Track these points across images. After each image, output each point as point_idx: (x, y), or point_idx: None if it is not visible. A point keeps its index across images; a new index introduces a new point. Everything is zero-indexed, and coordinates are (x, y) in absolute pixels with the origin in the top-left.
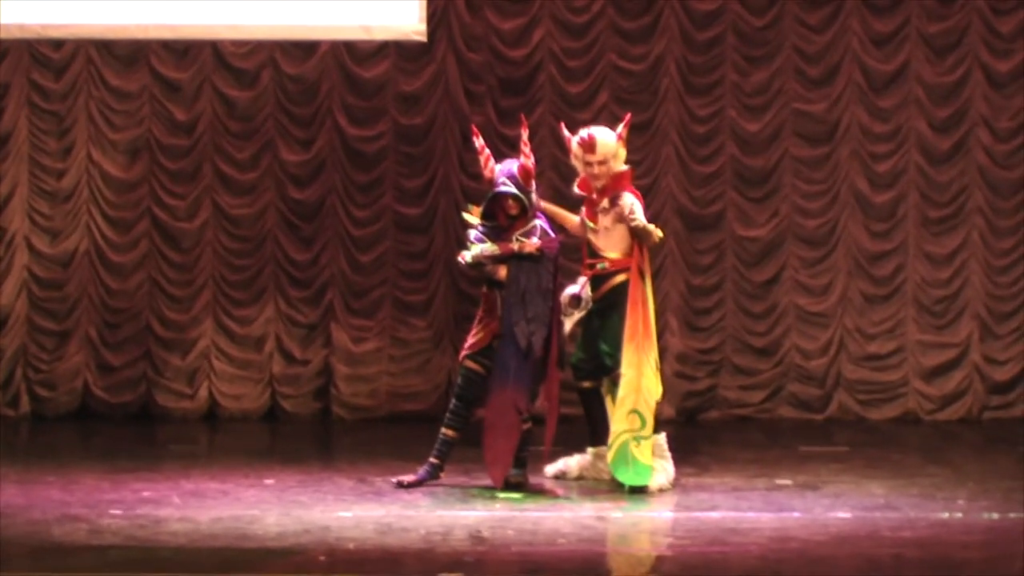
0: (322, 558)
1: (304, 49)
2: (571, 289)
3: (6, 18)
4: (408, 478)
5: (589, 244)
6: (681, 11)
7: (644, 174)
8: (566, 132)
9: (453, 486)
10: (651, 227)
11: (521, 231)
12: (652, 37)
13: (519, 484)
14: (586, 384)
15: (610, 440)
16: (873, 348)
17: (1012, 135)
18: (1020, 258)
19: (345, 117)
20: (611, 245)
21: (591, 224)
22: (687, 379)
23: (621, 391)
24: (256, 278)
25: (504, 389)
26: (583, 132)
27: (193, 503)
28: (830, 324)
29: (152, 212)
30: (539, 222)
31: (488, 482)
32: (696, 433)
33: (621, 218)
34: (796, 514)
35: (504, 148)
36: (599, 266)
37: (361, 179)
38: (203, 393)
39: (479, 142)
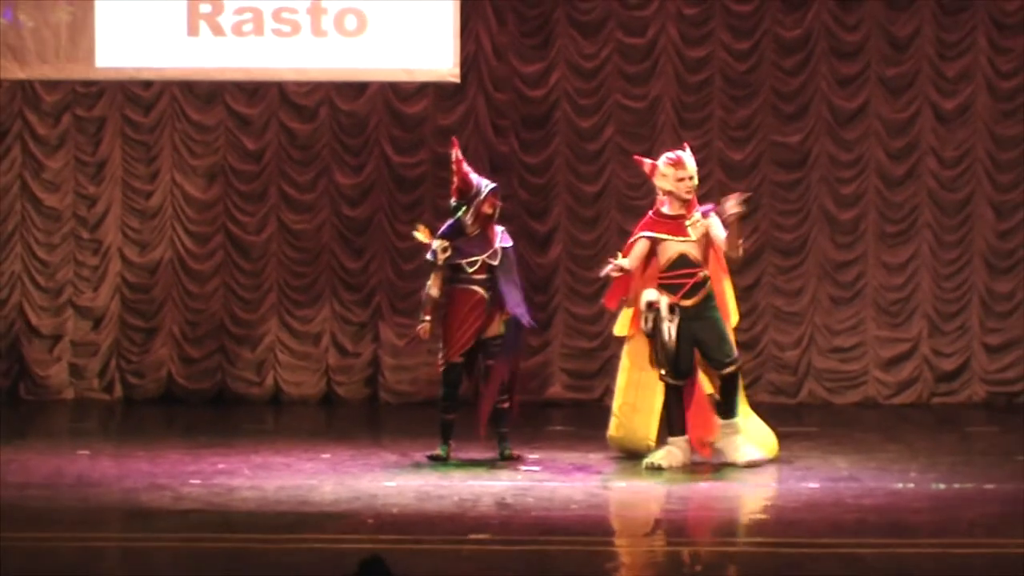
0: (370, 521)
1: (356, 88)
2: (655, 298)
3: (103, 62)
4: (433, 452)
5: (683, 258)
6: (676, 57)
7: (644, 196)
8: (646, 160)
9: (481, 461)
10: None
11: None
12: (651, 80)
13: (518, 457)
14: (678, 383)
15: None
16: (838, 342)
17: (956, 163)
18: (963, 267)
19: (391, 147)
20: (701, 255)
21: (681, 238)
22: None
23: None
24: (314, 283)
25: (504, 363)
26: (668, 155)
27: (261, 474)
28: (802, 322)
29: (226, 227)
30: (499, 227)
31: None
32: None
33: (707, 230)
34: (773, 485)
35: (526, 174)
36: (701, 275)
37: (404, 200)
38: (269, 381)
39: (456, 154)
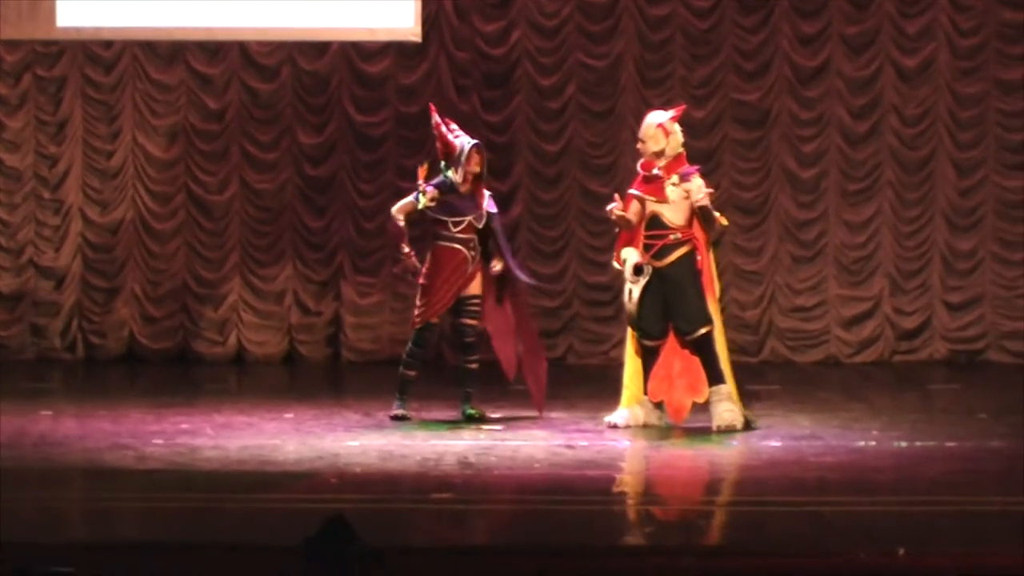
0: (333, 480)
1: (318, 48)
2: (633, 259)
3: (64, 22)
4: (396, 412)
5: (656, 219)
6: (638, 15)
7: (606, 154)
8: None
9: (443, 420)
10: (716, 213)
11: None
12: (613, 38)
13: (481, 416)
14: (651, 343)
15: (730, 386)
16: (800, 301)
17: (918, 120)
18: (924, 225)
19: (353, 106)
20: (679, 218)
21: (657, 199)
22: None
23: (719, 346)
24: (277, 242)
25: (528, 326)
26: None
27: (224, 434)
28: (763, 281)
29: (188, 187)
30: (487, 192)
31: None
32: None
33: (688, 195)
34: (735, 443)
35: (488, 133)
36: (671, 236)
37: (366, 158)
38: (232, 340)
39: (435, 118)
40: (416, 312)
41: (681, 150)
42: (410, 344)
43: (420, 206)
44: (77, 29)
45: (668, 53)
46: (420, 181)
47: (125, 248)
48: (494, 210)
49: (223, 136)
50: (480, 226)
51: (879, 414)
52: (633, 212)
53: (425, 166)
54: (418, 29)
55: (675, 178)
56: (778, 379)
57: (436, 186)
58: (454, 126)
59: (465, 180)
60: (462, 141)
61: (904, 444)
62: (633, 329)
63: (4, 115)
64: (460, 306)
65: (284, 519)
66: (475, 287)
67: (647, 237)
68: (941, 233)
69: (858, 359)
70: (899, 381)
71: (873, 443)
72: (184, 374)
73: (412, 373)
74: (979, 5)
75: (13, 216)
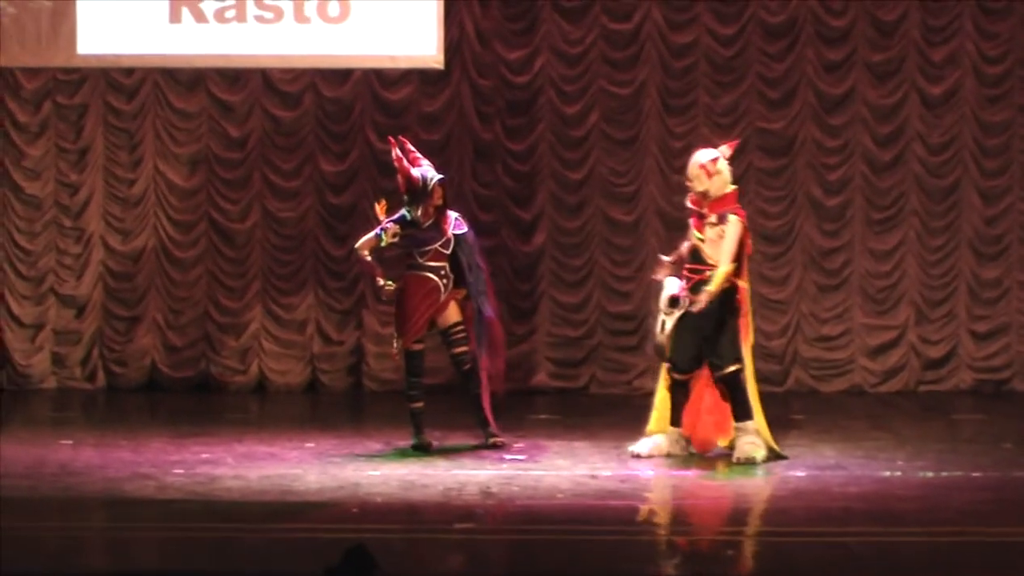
0: (355, 510)
1: (340, 75)
2: (670, 290)
3: (85, 49)
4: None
5: (696, 252)
6: (661, 43)
7: (629, 182)
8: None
9: (464, 449)
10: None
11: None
12: (636, 65)
13: (503, 443)
14: (681, 377)
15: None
16: (825, 330)
17: (943, 149)
18: (949, 253)
19: (375, 133)
20: (717, 255)
21: (699, 235)
22: None
23: (750, 385)
24: (299, 271)
25: (482, 358)
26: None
27: (245, 463)
28: (788, 310)
29: (210, 215)
30: (453, 214)
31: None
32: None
33: (723, 236)
34: (759, 473)
35: (511, 161)
36: (708, 274)
37: (388, 186)
38: (253, 369)
39: (395, 153)
40: (394, 344)
41: (728, 190)
42: (405, 376)
43: (383, 244)
44: (98, 56)
45: (692, 80)
46: (382, 218)
47: (146, 276)
48: (462, 230)
49: (245, 164)
50: (448, 252)
51: (904, 444)
52: (686, 242)
53: (383, 203)
54: (440, 56)
55: (714, 217)
56: (803, 408)
57: (396, 221)
58: (418, 156)
59: (426, 214)
60: (423, 173)
61: (930, 474)
62: (662, 361)
63: (24, 143)
64: (446, 337)
65: (305, 549)
66: (453, 314)
67: (687, 269)
68: (967, 261)
69: (883, 388)
70: (924, 410)
71: (898, 473)
72: (205, 403)
73: (418, 405)
74: (1005, 32)
75: (34, 244)
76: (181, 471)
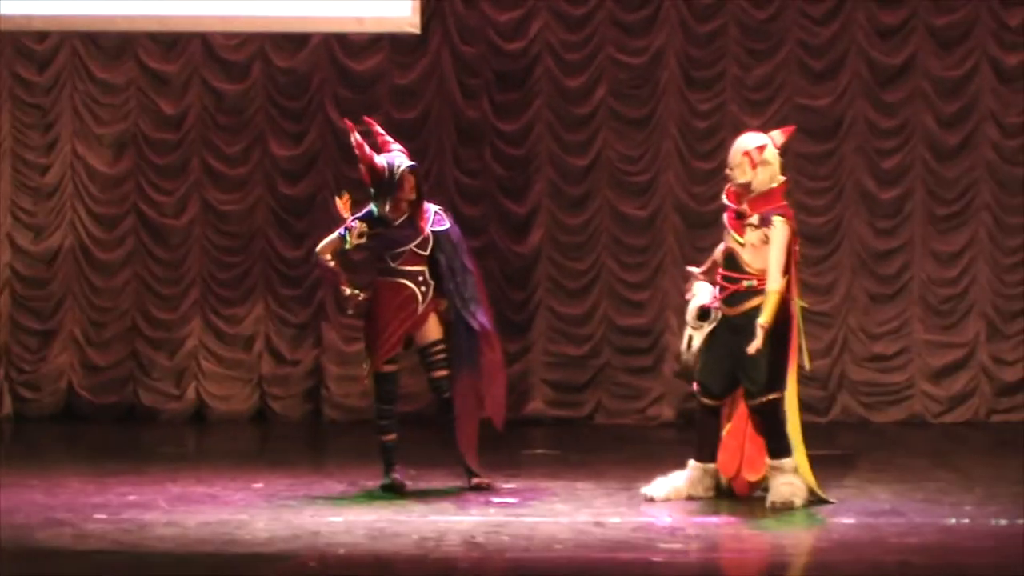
0: (312, 564)
1: (295, 41)
2: (700, 299)
3: None
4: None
5: (732, 256)
6: (681, 3)
7: (643, 170)
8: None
9: (445, 492)
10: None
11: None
12: (652, 30)
13: (488, 486)
14: (711, 403)
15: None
16: (878, 348)
17: (1021, 130)
18: None
19: (337, 111)
20: (758, 261)
21: (738, 238)
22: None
23: (789, 414)
24: (245, 276)
25: (463, 374)
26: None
27: (180, 507)
28: (834, 324)
29: (139, 208)
30: (432, 207)
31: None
32: (694, 435)
33: (768, 239)
34: (800, 520)
35: (501, 144)
36: (745, 283)
37: (354, 174)
38: (191, 394)
39: (355, 138)
40: (364, 365)
41: (775, 185)
42: (375, 403)
43: (348, 246)
44: (5, 18)
45: (718, 48)
46: (345, 215)
47: (63, 282)
48: (443, 227)
49: (181, 147)
50: (426, 253)
51: (974, 485)
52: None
53: (346, 197)
54: (416, 19)
55: (755, 218)
56: (851, 442)
57: (363, 218)
58: (388, 139)
59: (397, 209)
60: (389, 161)
61: (1004, 522)
62: (688, 382)
63: None
64: (424, 358)
65: None
66: (433, 330)
67: (722, 277)
68: None
69: (948, 418)
70: (998, 445)
71: (966, 520)
72: (133, 435)
73: (390, 437)
74: None
75: None
76: (104, 516)
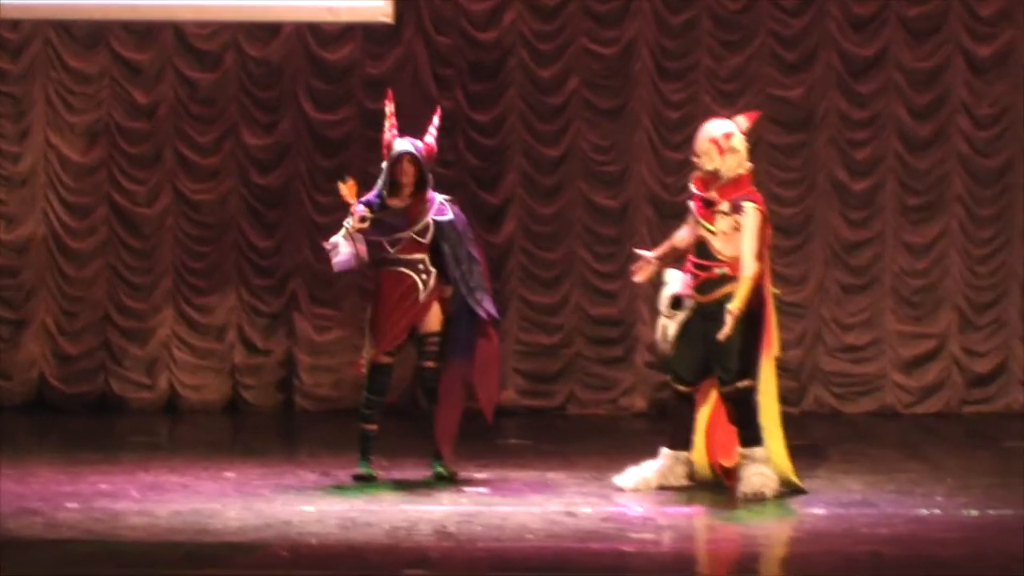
0: (284, 553)
1: (268, 31)
2: (672, 288)
3: None
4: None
5: (703, 244)
6: None
7: (615, 160)
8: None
9: (418, 480)
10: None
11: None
12: (624, 20)
13: (452, 476)
14: (684, 390)
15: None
16: (850, 339)
17: (993, 122)
18: (1000, 248)
19: (310, 101)
20: (730, 249)
21: (708, 225)
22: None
23: (767, 401)
24: (218, 266)
25: (455, 363)
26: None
27: (152, 496)
28: (806, 315)
29: (111, 198)
30: (438, 196)
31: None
32: (667, 423)
33: (740, 226)
34: (770, 511)
35: (474, 135)
36: (717, 271)
37: (326, 165)
38: (163, 384)
39: (389, 108)
40: (362, 352)
41: (743, 171)
42: (364, 391)
43: (351, 229)
44: None
45: (691, 39)
46: (351, 200)
47: (34, 272)
48: (446, 217)
49: (154, 137)
50: (426, 241)
51: (945, 476)
52: (688, 230)
53: (351, 182)
54: (389, 8)
55: (726, 205)
56: (823, 433)
57: (368, 202)
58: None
59: (399, 195)
60: (391, 142)
61: (975, 513)
62: (663, 370)
63: None
64: (418, 347)
65: None
66: (433, 321)
67: (693, 265)
68: (1021, 258)
69: (920, 409)
70: (969, 436)
71: (938, 512)
72: (105, 424)
73: (371, 427)
74: None
75: None
76: (75, 505)
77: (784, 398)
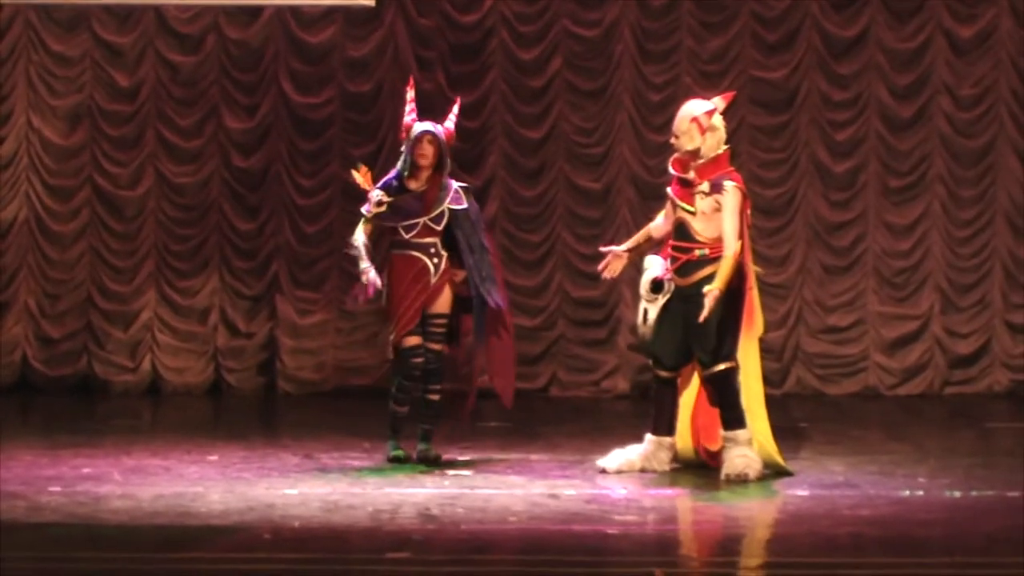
0: (267, 536)
1: (248, 13)
2: (652, 272)
3: None
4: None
5: (682, 226)
6: None
7: (598, 142)
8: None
9: (401, 463)
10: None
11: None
12: (606, 2)
13: (436, 458)
14: (666, 375)
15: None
16: (832, 320)
17: (975, 103)
18: (982, 228)
19: (291, 83)
20: (710, 230)
21: (687, 207)
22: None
23: (751, 383)
24: (200, 248)
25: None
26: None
27: (134, 479)
28: (788, 296)
29: (93, 180)
30: (454, 183)
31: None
32: (650, 408)
33: (720, 206)
34: (753, 492)
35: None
36: (697, 252)
37: (307, 147)
38: (145, 366)
39: (411, 94)
40: (390, 336)
41: (722, 150)
42: (395, 377)
43: (368, 215)
44: None
45: (673, 21)
46: (366, 187)
47: (16, 254)
48: (461, 206)
49: (135, 119)
50: (440, 227)
51: (927, 457)
52: (665, 218)
53: (363, 169)
54: None
55: (706, 185)
56: (806, 414)
57: (384, 186)
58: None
59: (413, 174)
60: (417, 125)
61: (957, 494)
62: (645, 355)
63: None
64: (424, 327)
65: None
66: (443, 303)
67: (673, 248)
68: (1003, 239)
69: (902, 391)
70: (952, 417)
71: (920, 492)
72: (87, 407)
73: (402, 409)
74: None
75: None
76: (58, 489)
77: (767, 379)
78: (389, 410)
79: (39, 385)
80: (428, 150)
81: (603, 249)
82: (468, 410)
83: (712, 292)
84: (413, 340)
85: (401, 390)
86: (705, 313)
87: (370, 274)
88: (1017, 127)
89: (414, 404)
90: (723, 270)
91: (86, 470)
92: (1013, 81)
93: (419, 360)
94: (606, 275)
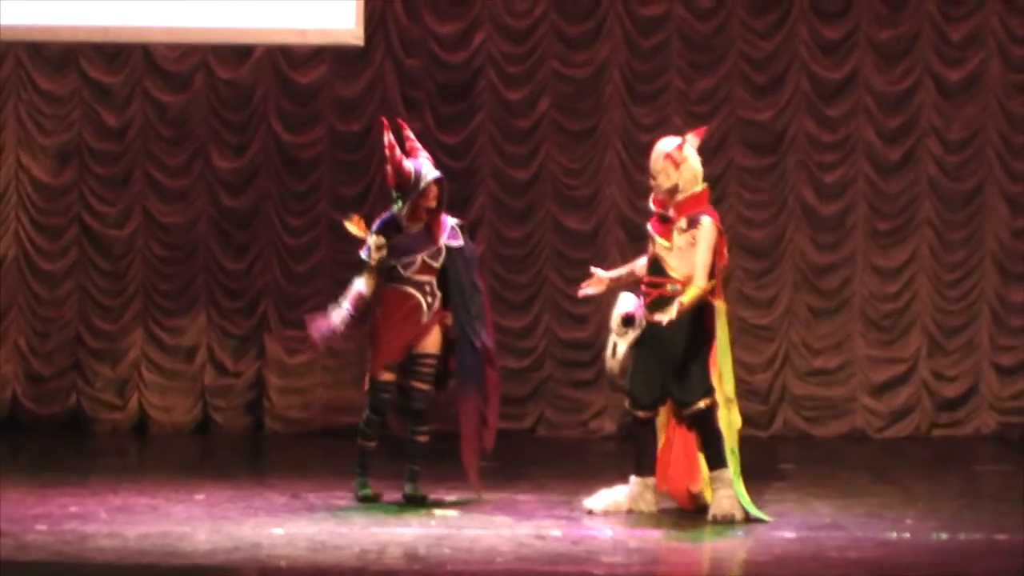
0: None
1: (238, 53)
2: (624, 307)
3: None
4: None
5: (657, 262)
6: (625, 16)
7: (586, 184)
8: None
9: (388, 502)
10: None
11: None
12: (595, 43)
13: (423, 499)
14: (643, 415)
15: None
16: (819, 363)
17: (963, 146)
18: (970, 271)
19: (280, 123)
20: (685, 266)
21: (664, 242)
22: None
23: (723, 424)
24: (188, 287)
25: (468, 392)
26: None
27: (121, 518)
28: (775, 338)
29: (82, 219)
30: (451, 220)
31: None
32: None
33: (696, 241)
34: (740, 533)
35: (444, 157)
36: (669, 287)
37: (296, 186)
38: (133, 404)
39: (388, 138)
40: (367, 371)
41: (700, 188)
42: (366, 411)
43: (373, 262)
44: None
45: (662, 62)
46: (362, 235)
47: (6, 293)
48: (457, 243)
49: (124, 158)
50: (438, 264)
51: (914, 500)
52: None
53: (356, 218)
54: (360, 31)
55: (683, 221)
56: (793, 457)
57: (380, 229)
58: (417, 146)
59: (413, 216)
60: (417, 168)
61: (945, 536)
62: (614, 390)
63: None
64: (411, 365)
65: None
66: (431, 343)
67: (646, 284)
68: (990, 281)
69: (889, 433)
70: (939, 460)
71: (907, 535)
72: (75, 445)
73: (369, 444)
74: None
75: None
76: (44, 527)
77: (753, 421)
78: (357, 446)
79: (28, 423)
80: (435, 193)
81: (591, 269)
82: (490, 439)
83: (679, 301)
84: (388, 376)
85: (369, 424)
86: (671, 316)
87: (337, 318)
88: (1005, 170)
89: (383, 440)
90: (690, 292)
91: (73, 509)
92: (1001, 124)
93: (388, 396)
94: (582, 291)
